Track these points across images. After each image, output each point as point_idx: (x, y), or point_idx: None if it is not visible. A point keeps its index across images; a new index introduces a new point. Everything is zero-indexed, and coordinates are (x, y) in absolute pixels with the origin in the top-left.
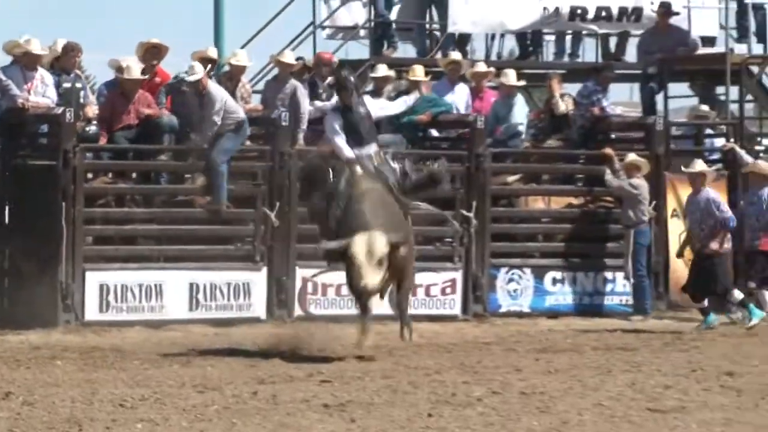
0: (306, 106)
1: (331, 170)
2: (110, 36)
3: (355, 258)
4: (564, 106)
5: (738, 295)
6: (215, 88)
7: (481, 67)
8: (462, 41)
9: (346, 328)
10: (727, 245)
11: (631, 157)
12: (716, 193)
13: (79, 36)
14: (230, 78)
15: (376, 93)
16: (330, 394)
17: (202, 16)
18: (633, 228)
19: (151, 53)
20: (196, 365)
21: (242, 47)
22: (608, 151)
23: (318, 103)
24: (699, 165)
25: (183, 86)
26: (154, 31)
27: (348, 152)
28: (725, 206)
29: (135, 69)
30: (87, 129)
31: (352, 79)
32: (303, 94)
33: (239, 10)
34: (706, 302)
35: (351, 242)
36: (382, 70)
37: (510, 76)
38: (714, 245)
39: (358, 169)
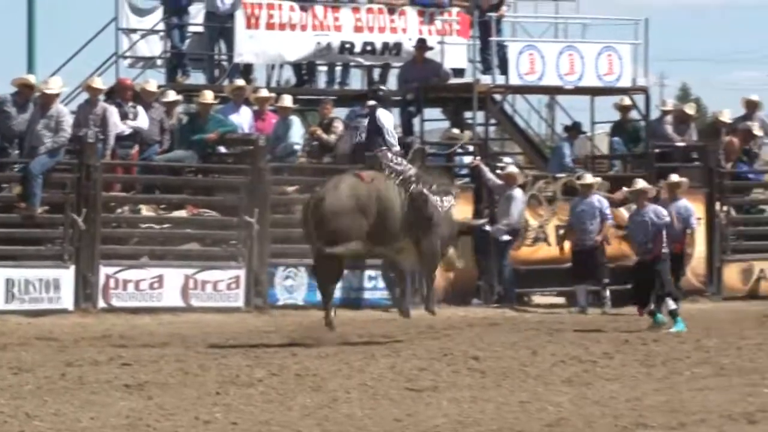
0: (113, 126)
1: None
2: None
3: None
4: (333, 136)
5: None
6: (62, 108)
7: (263, 92)
8: (246, 70)
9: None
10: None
11: None
12: (660, 207)
13: None
14: (43, 103)
15: (168, 114)
16: (130, 376)
17: (15, 44)
18: None
19: None
20: (11, 350)
21: (52, 75)
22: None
23: (129, 122)
24: (641, 183)
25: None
26: None
27: None
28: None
29: None
30: None
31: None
32: (112, 114)
33: (50, 41)
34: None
35: None
36: (172, 95)
37: (286, 100)
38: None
39: None
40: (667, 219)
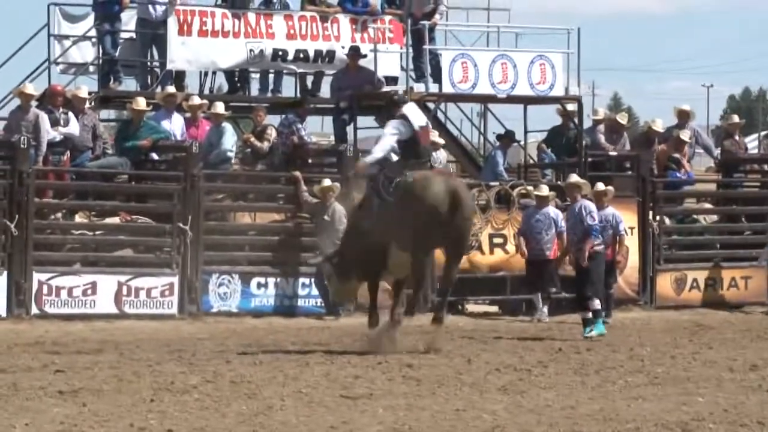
0: (45, 132)
1: None
2: None
3: None
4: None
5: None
6: None
7: (196, 99)
8: (179, 77)
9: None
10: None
11: (326, 182)
12: (589, 203)
13: None
14: None
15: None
16: (64, 383)
17: None
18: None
19: None
20: None
21: None
22: (296, 173)
23: (61, 129)
24: (574, 177)
25: None
26: None
27: None
28: (593, 217)
29: None
30: None
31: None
32: (44, 120)
33: None
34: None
35: None
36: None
37: (219, 107)
38: (582, 251)
39: None
40: (593, 217)
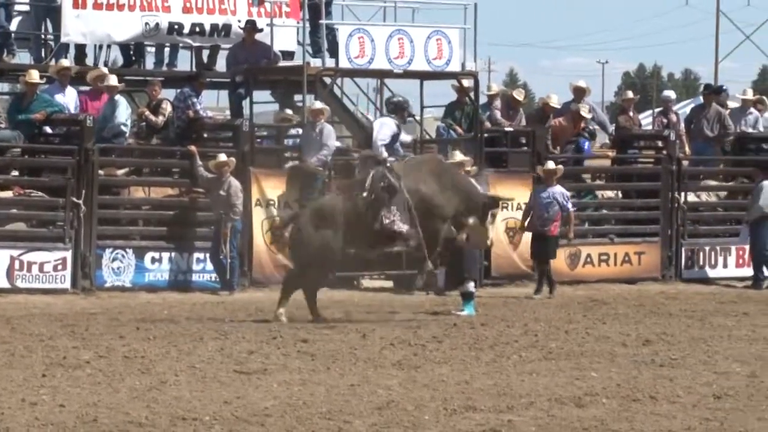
0: None
1: None
2: None
3: None
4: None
5: None
6: None
7: (97, 72)
8: (81, 50)
9: None
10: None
11: (221, 156)
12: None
13: None
14: None
15: None
16: None
17: None
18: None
19: None
20: None
21: None
22: (192, 147)
23: None
24: (551, 164)
25: None
26: None
27: None
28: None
29: None
30: None
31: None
32: None
33: None
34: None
35: None
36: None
37: (112, 80)
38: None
39: None
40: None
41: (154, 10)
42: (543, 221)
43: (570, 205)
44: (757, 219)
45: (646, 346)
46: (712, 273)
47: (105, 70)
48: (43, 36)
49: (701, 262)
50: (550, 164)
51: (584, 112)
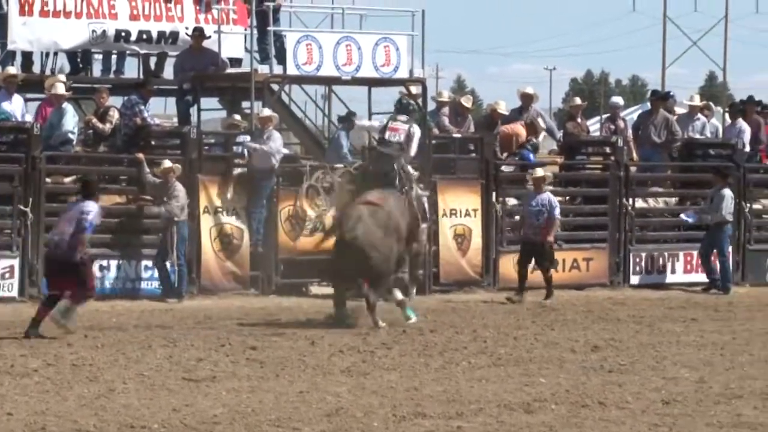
0: None
1: None
2: None
3: None
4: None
5: None
6: None
7: (54, 80)
8: (27, 58)
9: None
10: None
11: (167, 162)
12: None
13: None
14: None
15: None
16: None
17: None
18: (175, 222)
19: None
20: None
21: None
22: (139, 155)
23: None
24: (539, 171)
25: None
26: None
27: None
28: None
29: None
30: None
31: None
32: None
33: None
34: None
35: None
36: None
37: (59, 88)
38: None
39: None
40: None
41: (101, 18)
42: (534, 230)
43: (556, 213)
44: (715, 225)
45: (594, 352)
46: (660, 279)
47: (62, 77)
48: None
49: (649, 268)
50: (539, 171)
51: (541, 124)
